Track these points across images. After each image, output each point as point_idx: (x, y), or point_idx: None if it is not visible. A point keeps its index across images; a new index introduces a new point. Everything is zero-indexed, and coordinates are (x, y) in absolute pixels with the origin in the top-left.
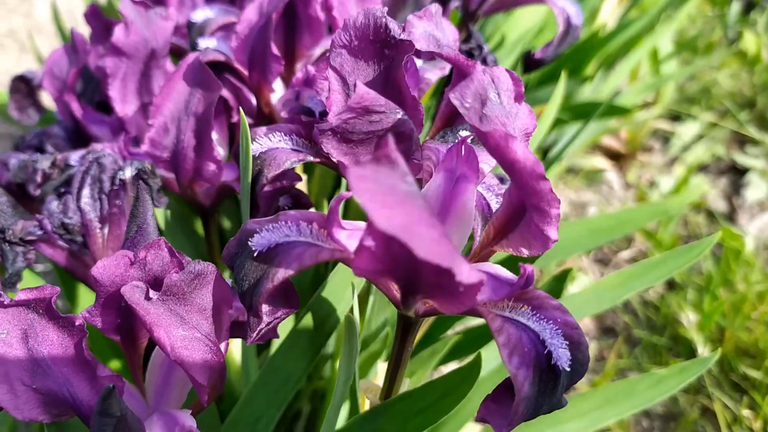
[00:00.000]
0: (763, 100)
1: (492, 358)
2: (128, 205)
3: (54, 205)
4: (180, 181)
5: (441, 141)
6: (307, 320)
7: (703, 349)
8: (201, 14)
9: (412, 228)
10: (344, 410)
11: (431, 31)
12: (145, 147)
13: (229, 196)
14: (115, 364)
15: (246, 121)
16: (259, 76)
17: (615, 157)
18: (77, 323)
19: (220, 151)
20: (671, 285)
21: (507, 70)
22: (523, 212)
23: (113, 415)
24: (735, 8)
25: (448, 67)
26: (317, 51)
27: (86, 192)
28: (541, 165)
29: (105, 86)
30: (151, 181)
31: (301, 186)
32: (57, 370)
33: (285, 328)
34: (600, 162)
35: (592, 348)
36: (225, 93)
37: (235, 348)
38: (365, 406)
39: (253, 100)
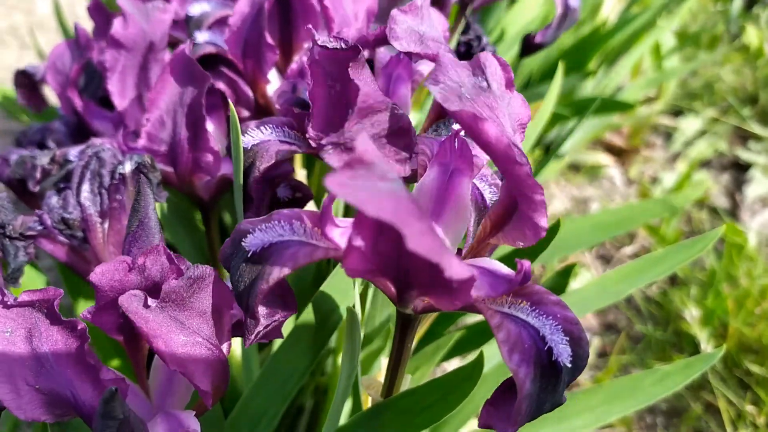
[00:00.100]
0: (765, 96)
1: (495, 355)
2: (128, 200)
3: (54, 200)
4: (178, 175)
5: (434, 134)
6: (310, 317)
7: (706, 345)
8: (198, 8)
9: (401, 217)
10: (347, 406)
11: (415, 26)
12: (142, 141)
13: (229, 189)
14: (117, 362)
15: (236, 113)
16: (254, 66)
17: (617, 152)
18: (79, 327)
19: (219, 144)
20: (674, 280)
21: (494, 55)
22: (515, 207)
23: (116, 417)
24: (737, 3)
25: None
26: None
27: (86, 187)
28: (513, 149)
29: (104, 80)
30: (151, 175)
31: (302, 180)
32: (60, 370)
33: (287, 325)
34: (602, 158)
35: (595, 344)
36: (222, 86)
37: (236, 344)
38: (367, 402)
39: (250, 93)
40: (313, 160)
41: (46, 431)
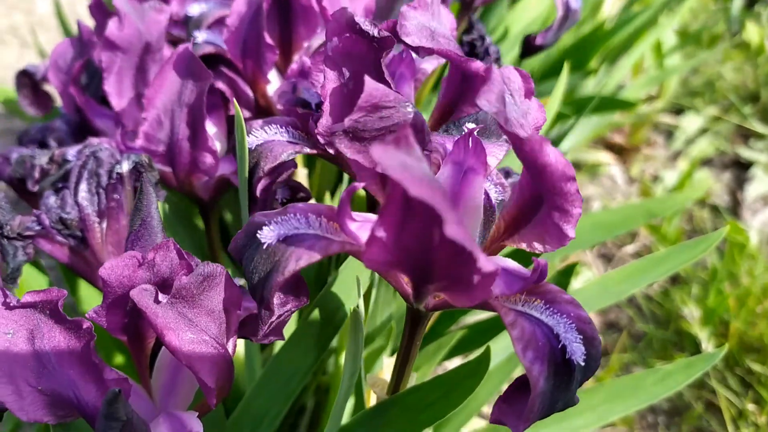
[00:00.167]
0: (767, 94)
1: (497, 353)
2: (126, 199)
3: (51, 200)
4: (177, 174)
5: (444, 133)
6: (313, 316)
7: (707, 344)
8: (197, 8)
9: (441, 202)
10: (349, 405)
11: (426, 22)
12: (139, 141)
13: (229, 189)
14: (120, 359)
15: (240, 112)
16: (253, 66)
17: (618, 151)
18: (84, 326)
19: (219, 144)
20: (675, 279)
21: (516, 69)
22: (536, 207)
23: (119, 419)
24: (738, 1)
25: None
26: (315, 42)
27: (83, 186)
28: (571, 167)
29: (101, 80)
30: (149, 175)
31: (303, 180)
32: (63, 371)
33: (289, 324)
34: (603, 156)
35: None
36: (221, 85)
37: (239, 343)
38: (370, 400)
39: (250, 93)
40: (313, 160)
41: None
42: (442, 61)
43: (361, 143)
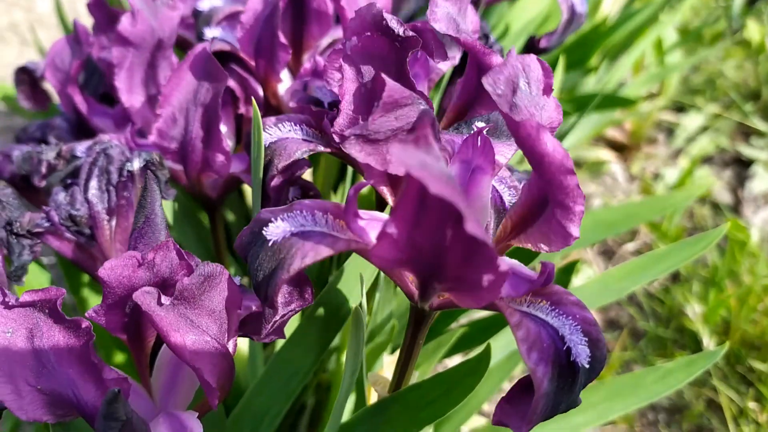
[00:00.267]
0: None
1: (497, 351)
2: (136, 197)
3: (61, 196)
4: (188, 173)
5: (455, 132)
6: (316, 314)
7: (708, 342)
8: (207, 2)
9: (460, 200)
10: (350, 403)
11: (453, 14)
12: (152, 138)
13: (236, 188)
14: (121, 357)
15: (258, 110)
16: (266, 65)
17: (619, 148)
18: (83, 326)
19: (228, 142)
20: (676, 277)
21: (539, 59)
22: (543, 206)
23: (119, 419)
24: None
25: (458, 57)
26: (325, 41)
27: (94, 183)
28: (570, 159)
29: (110, 77)
30: (159, 173)
31: (307, 176)
32: (62, 371)
33: (290, 323)
34: (604, 154)
35: None
36: (232, 83)
37: (241, 340)
38: (371, 398)
39: (260, 91)
40: (317, 157)
41: (48, 431)
42: (455, 61)
43: (373, 146)
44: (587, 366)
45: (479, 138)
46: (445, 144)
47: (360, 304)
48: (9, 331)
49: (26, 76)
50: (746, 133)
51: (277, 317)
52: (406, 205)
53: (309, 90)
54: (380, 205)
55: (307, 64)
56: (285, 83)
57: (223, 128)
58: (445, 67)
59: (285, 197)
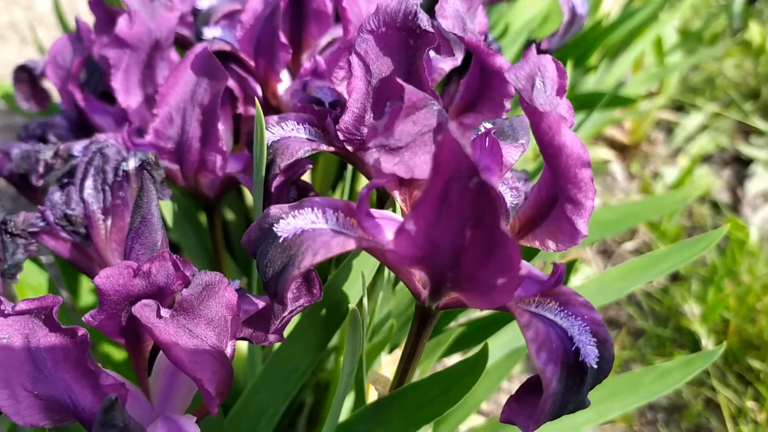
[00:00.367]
0: (767, 91)
1: (495, 351)
2: (132, 197)
3: (56, 196)
4: (184, 173)
5: None
6: (314, 313)
7: (707, 341)
8: (206, 1)
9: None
10: (350, 401)
11: (462, 13)
12: (149, 137)
13: (234, 188)
14: (121, 356)
15: (260, 109)
16: (266, 65)
17: (619, 147)
18: (79, 333)
19: (225, 142)
20: (675, 276)
21: (554, 60)
22: (552, 206)
23: (116, 426)
24: None
25: (460, 58)
26: (323, 41)
27: (89, 183)
28: (587, 152)
29: (108, 77)
30: (155, 173)
31: (305, 176)
32: (59, 377)
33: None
34: (604, 153)
35: None
36: (230, 83)
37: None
38: (370, 397)
39: (259, 91)
40: (316, 157)
41: None
42: (457, 62)
43: (396, 154)
44: (596, 366)
45: (487, 139)
46: None
47: (360, 303)
48: (5, 337)
49: (25, 75)
50: (746, 132)
51: (286, 313)
52: (428, 203)
53: (309, 90)
54: (379, 204)
55: (306, 64)
56: (284, 83)
57: (221, 128)
58: (447, 67)
59: (286, 197)
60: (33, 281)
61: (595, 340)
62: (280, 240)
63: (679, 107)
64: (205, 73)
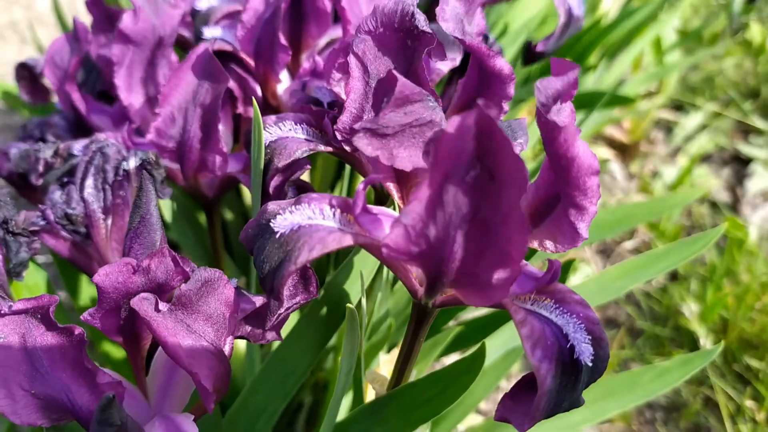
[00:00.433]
0: (767, 90)
1: (493, 350)
2: (132, 196)
3: (57, 195)
4: (185, 172)
5: None
6: (313, 313)
7: (705, 341)
8: (206, 2)
9: None
10: (348, 401)
11: (461, 15)
12: (150, 136)
13: (233, 187)
14: (120, 354)
15: (258, 110)
16: (265, 66)
17: (618, 147)
18: (76, 332)
19: (225, 142)
20: (674, 276)
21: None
22: (552, 207)
23: (113, 424)
24: None
25: (458, 59)
26: (323, 41)
27: (90, 182)
28: (597, 161)
29: (109, 75)
30: (155, 172)
31: (304, 176)
32: (56, 376)
33: (288, 321)
34: (603, 152)
35: None
36: (230, 83)
37: (238, 339)
38: (368, 397)
39: (259, 91)
40: (315, 157)
41: None
42: (455, 63)
43: (381, 140)
44: (590, 364)
45: None
46: None
47: (360, 302)
48: (2, 337)
49: (26, 72)
50: (745, 131)
51: (282, 309)
52: (425, 198)
53: (308, 90)
54: (378, 203)
55: (305, 64)
56: (284, 83)
57: (221, 128)
58: (446, 68)
59: (284, 196)
60: (30, 281)
61: (590, 338)
62: (277, 236)
63: (679, 107)
64: (207, 74)
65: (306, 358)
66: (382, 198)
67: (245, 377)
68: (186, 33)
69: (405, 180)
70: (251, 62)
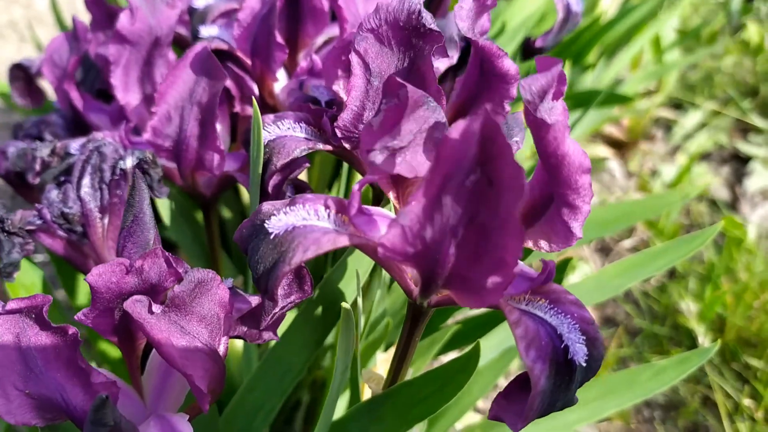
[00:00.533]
0: (766, 88)
1: (491, 348)
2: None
3: (54, 194)
4: (182, 171)
5: None
6: (310, 311)
7: (703, 339)
8: (203, 0)
9: None
10: (345, 400)
11: (472, 15)
12: (147, 135)
13: (231, 186)
14: (117, 353)
15: (257, 108)
16: (262, 65)
17: (617, 145)
18: (70, 332)
19: (222, 141)
20: (672, 274)
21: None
22: (546, 206)
23: (107, 424)
24: None
25: (456, 57)
26: (320, 40)
27: (86, 181)
28: (588, 158)
29: (106, 74)
30: (152, 171)
31: (301, 175)
32: (50, 375)
33: (285, 319)
34: (602, 150)
35: None
36: (227, 82)
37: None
38: (365, 395)
39: (256, 90)
40: (312, 155)
41: None
42: (453, 60)
43: (399, 155)
44: (584, 364)
45: None
46: None
47: (355, 302)
48: None
49: (21, 73)
50: (744, 129)
51: (277, 309)
52: (423, 199)
53: (305, 89)
54: (375, 204)
55: (303, 63)
56: (281, 82)
57: (218, 127)
58: (443, 66)
59: (283, 195)
60: (26, 280)
61: (585, 338)
62: (272, 236)
63: (678, 105)
64: (204, 72)
65: (302, 355)
66: (380, 198)
67: (242, 375)
68: (183, 31)
69: (401, 180)
70: (248, 61)
